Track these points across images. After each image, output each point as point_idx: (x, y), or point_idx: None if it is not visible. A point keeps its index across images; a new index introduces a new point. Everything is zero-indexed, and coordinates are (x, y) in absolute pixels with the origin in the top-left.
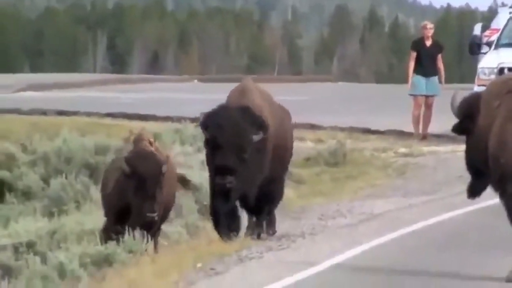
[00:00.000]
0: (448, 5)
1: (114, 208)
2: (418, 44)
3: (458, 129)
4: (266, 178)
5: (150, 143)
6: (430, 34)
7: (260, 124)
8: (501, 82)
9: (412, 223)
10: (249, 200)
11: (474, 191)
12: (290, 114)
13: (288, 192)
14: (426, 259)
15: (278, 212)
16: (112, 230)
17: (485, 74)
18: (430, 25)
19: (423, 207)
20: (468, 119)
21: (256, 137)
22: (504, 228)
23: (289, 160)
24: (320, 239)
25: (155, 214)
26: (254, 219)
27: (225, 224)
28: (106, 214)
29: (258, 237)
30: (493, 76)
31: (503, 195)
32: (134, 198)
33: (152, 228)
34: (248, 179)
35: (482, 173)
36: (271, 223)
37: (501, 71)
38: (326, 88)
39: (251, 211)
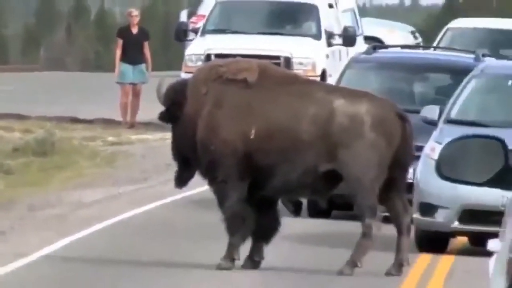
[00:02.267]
0: None
1: None
2: (124, 32)
3: (165, 117)
4: None
5: None
6: (136, 22)
7: None
8: (208, 69)
9: (121, 213)
10: None
11: (181, 180)
12: None
13: None
14: (135, 248)
15: None
16: None
17: (192, 61)
18: (135, 12)
19: (132, 195)
20: (175, 106)
21: None
22: (212, 216)
23: None
24: (29, 230)
25: None
26: None
27: None
28: None
29: None
30: (200, 63)
31: (212, 182)
32: None
33: None
34: None
35: (189, 162)
36: None
37: (208, 57)
38: (33, 78)
39: None
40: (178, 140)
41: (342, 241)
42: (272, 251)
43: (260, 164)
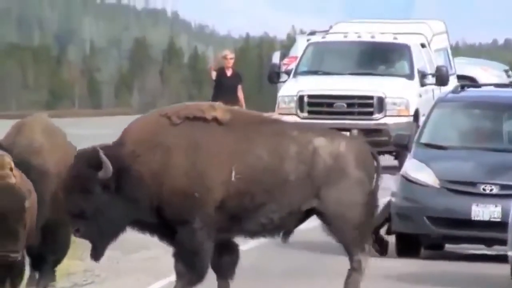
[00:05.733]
0: (247, 34)
1: None
2: (218, 74)
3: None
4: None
5: (11, 170)
6: (230, 65)
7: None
8: (159, 118)
9: None
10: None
11: (101, 253)
12: None
13: None
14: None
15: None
16: None
17: (285, 102)
18: (230, 55)
19: None
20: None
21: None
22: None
23: None
24: (124, 272)
25: (18, 254)
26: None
27: None
28: None
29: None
30: (293, 104)
31: (184, 230)
32: None
33: (13, 271)
34: None
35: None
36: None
37: (300, 98)
38: (125, 121)
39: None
40: (129, 205)
41: (434, 281)
42: None
43: (237, 208)
